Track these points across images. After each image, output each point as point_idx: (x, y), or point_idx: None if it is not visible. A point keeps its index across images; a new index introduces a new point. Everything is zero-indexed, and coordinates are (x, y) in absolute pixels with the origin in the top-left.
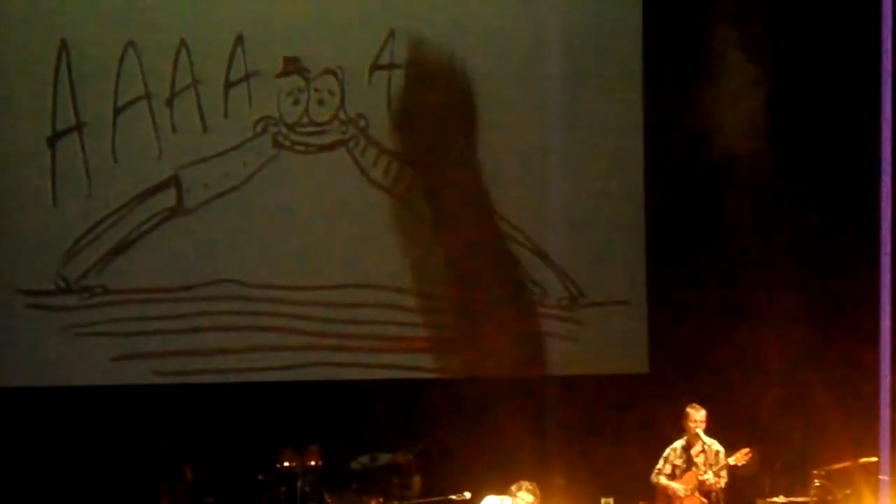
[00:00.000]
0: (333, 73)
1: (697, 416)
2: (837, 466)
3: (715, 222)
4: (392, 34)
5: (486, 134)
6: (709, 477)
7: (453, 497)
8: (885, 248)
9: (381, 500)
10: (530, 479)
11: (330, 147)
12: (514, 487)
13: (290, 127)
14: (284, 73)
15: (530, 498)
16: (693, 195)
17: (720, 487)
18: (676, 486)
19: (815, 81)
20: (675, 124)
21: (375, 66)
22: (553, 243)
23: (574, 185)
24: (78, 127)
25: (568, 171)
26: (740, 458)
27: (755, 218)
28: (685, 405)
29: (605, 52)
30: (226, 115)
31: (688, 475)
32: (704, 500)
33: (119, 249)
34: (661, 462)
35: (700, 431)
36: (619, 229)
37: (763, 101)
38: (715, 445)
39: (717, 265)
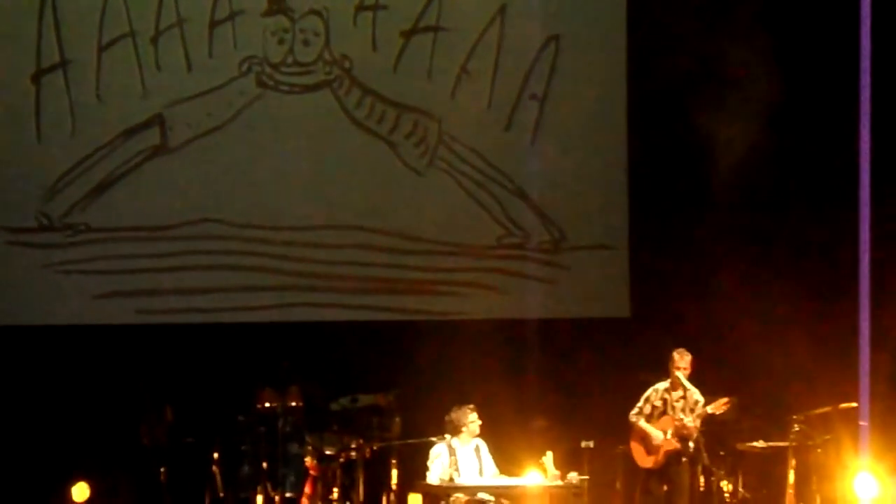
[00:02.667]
0: (318, 13)
1: (682, 362)
2: (817, 412)
3: (699, 167)
4: None
5: (469, 80)
6: (688, 421)
7: (434, 439)
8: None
9: (361, 441)
10: (511, 423)
11: (314, 87)
12: (454, 419)
13: (275, 67)
14: (269, 13)
15: (475, 415)
16: (677, 139)
17: (697, 432)
18: (654, 433)
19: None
20: (659, 66)
21: (360, 7)
22: (535, 187)
23: (558, 129)
24: (62, 64)
25: (551, 116)
26: (718, 406)
27: (739, 164)
28: (668, 350)
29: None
30: (210, 55)
31: (664, 419)
32: (680, 444)
33: (102, 187)
34: (641, 402)
35: (682, 376)
36: (602, 173)
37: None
38: (696, 394)
39: (700, 209)
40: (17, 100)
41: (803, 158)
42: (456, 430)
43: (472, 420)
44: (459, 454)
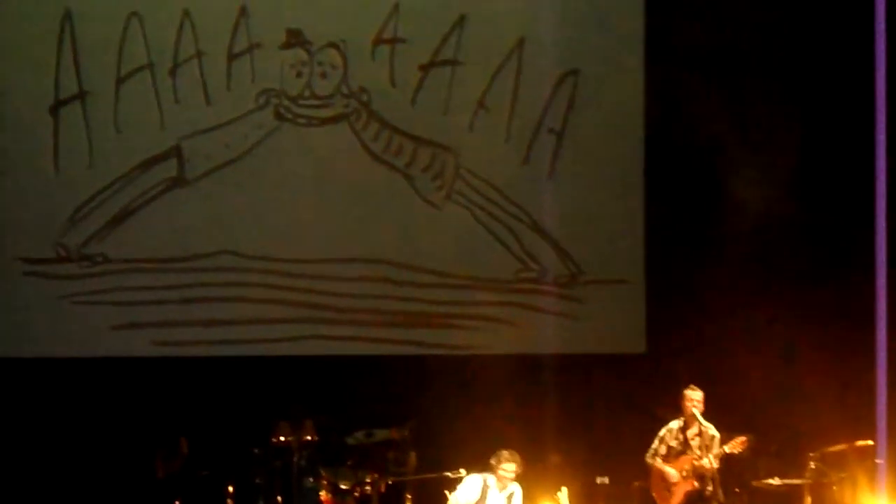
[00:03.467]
0: (336, 46)
1: (695, 396)
2: (833, 449)
3: (715, 202)
4: (396, 8)
5: (486, 114)
6: (705, 462)
7: (448, 474)
8: (881, 233)
9: (376, 475)
10: (526, 458)
11: (332, 120)
12: (493, 461)
13: (293, 99)
14: (287, 46)
15: (513, 466)
16: (693, 175)
17: (714, 471)
18: (671, 472)
19: (818, 73)
20: (677, 104)
21: (379, 40)
22: (552, 221)
23: (575, 163)
24: (81, 96)
25: (569, 150)
26: (736, 445)
27: (755, 199)
28: (682, 386)
29: (607, 32)
30: (228, 87)
31: (682, 458)
32: (698, 483)
33: (120, 219)
34: (656, 442)
35: (697, 413)
36: (619, 208)
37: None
38: (711, 430)
39: (715, 246)
40: (35, 131)
41: (821, 192)
42: (493, 471)
43: (504, 468)
44: (490, 494)
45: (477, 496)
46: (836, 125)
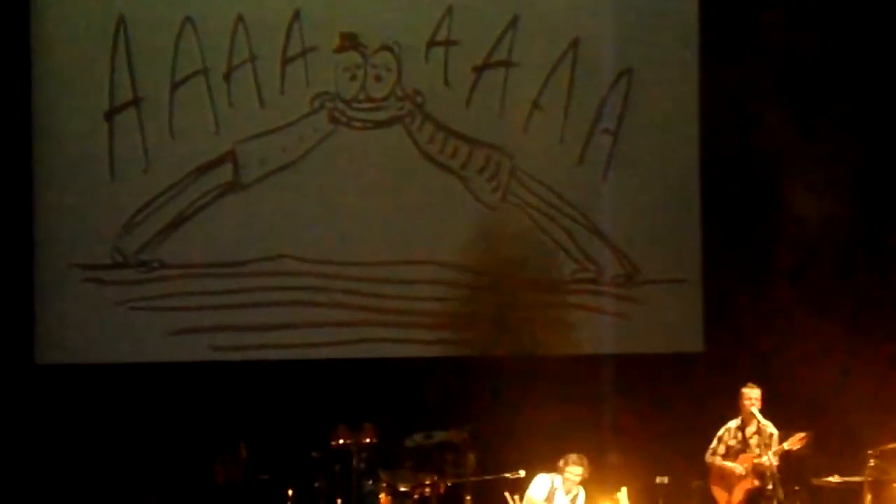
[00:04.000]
0: (390, 49)
1: (752, 394)
2: (892, 446)
3: (771, 200)
4: (449, 10)
5: (541, 114)
6: (765, 459)
7: (508, 475)
8: None
9: (435, 477)
10: (587, 457)
11: (386, 123)
12: (561, 463)
13: (347, 103)
14: (341, 49)
15: (579, 469)
16: (749, 174)
17: (774, 469)
18: (732, 466)
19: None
20: (732, 102)
21: (432, 43)
22: (608, 221)
23: (630, 163)
24: (135, 102)
25: (624, 149)
26: (795, 442)
27: (812, 197)
28: (740, 385)
29: (662, 31)
30: (282, 91)
31: (741, 457)
32: (758, 481)
33: (175, 224)
34: (715, 442)
35: (755, 410)
36: (676, 207)
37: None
38: (770, 427)
39: (773, 243)
40: (90, 138)
41: (882, 190)
42: (560, 472)
43: (570, 471)
44: (556, 495)
45: (544, 496)
46: None
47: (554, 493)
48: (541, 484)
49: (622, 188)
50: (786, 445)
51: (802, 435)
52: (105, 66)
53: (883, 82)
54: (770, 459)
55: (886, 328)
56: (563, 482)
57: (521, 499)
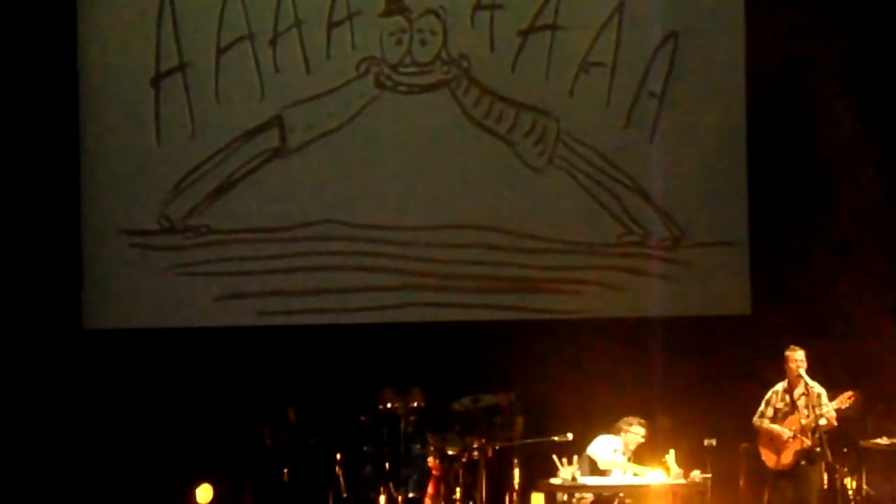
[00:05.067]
0: (436, 13)
1: (797, 356)
2: None
3: (819, 162)
4: None
5: (587, 78)
6: (812, 419)
7: (555, 438)
8: None
9: (483, 441)
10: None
11: (432, 87)
12: (623, 424)
13: (393, 67)
14: (387, 13)
15: (641, 430)
16: (796, 135)
17: (826, 428)
18: (781, 430)
19: None
20: (779, 64)
21: (478, 7)
22: (655, 184)
23: (677, 126)
24: (181, 67)
25: (670, 112)
26: (844, 400)
27: (859, 157)
28: (786, 347)
29: None
30: (328, 56)
31: (790, 418)
32: (808, 441)
33: (223, 189)
34: (763, 405)
35: (802, 372)
36: (722, 170)
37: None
38: (817, 388)
39: (821, 205)
40: (136, 103)
41: None
42: (620, 433)
43: (634, 431)
44: (617, 456)
45: (607, 454)
46: None
47: (615, 454)
48: (603, 443)
49: (669, 151)
50: (834, 405)
51: (850, 393)
52: (151, 31)
53: None
54: (816, 420)
55: None
56: (625, 443)
57: (570, 462)
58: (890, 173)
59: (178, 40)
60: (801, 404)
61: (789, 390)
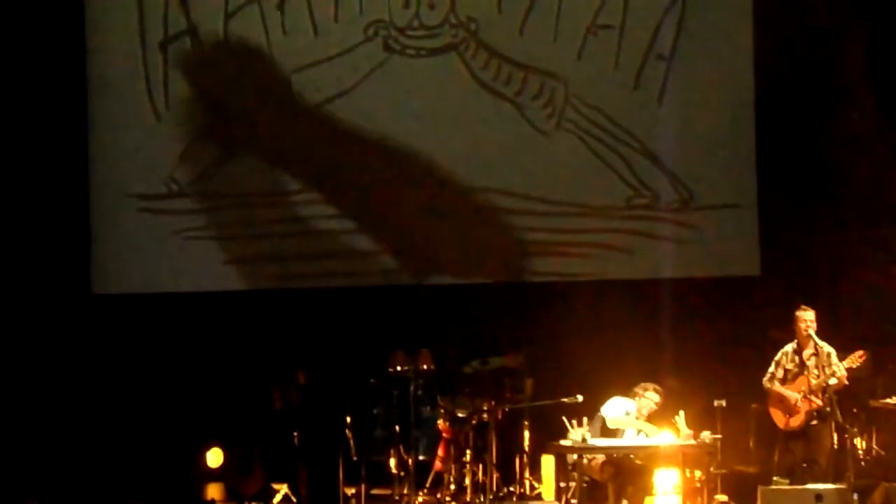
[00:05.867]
0: None
1: (807, 316)
2: None
3: (826, 125)
4: None
5: (595, 41)
6: (823, 379)
7: (565, 400)
8: None
9: (493, 403)
10: (644, 381)
11: (441, 51)
12: (639, 388)
13: (401, 31)
14: None
15: (657, 397)
16: (803, 98)
17: (837, 387)
18: (790, 394)
19: None
20: (787, 27)
21: None
22: (663, 147)
23: (685, 89)
24: (189, 31)
25: (678, 75)
26: (854, 360)
27: (867, 119)
28: (796, 308)
29: None
30: (336, 19)
31: (800, 379)
32: (818, 401)
33: (231, 154)
34: (773, 366)
35: (812, 332)
36: (731, 132)
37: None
38: (826, 347)
39: (827, 167)
40: (145, 68)
41: None
42: (636, 397)
43: (649, 396)
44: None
45: (619, 415)
46: None
47: (628, 416)
48: (615, 404)
49: (677, 114)
50: (844, 364)
51: (861, 353)
52: None
53: None
54: (826, 379)
55: None
56: (638, 408)
57: (580, 423)
58: None
59: (185, 4)
60: (812, 364)
61: (799, 351)
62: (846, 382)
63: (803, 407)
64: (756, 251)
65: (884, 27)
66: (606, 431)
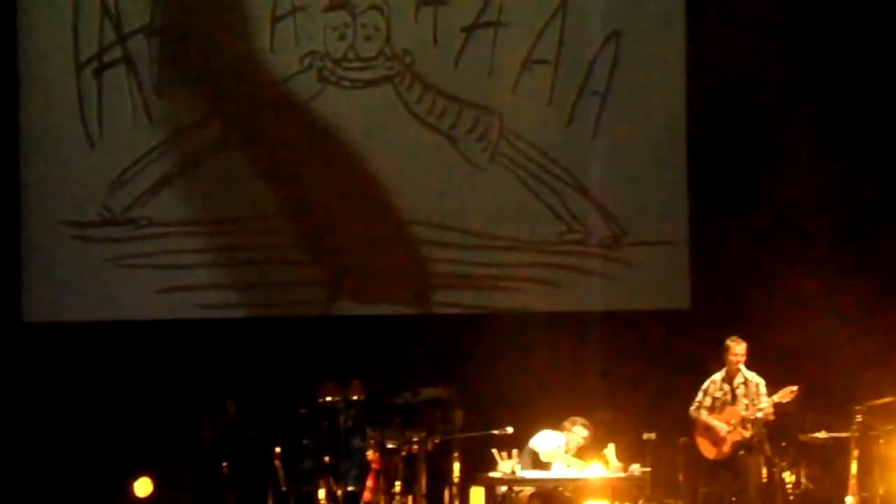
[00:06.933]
0: (379, 8)
1: (738, 349)
2: (879, 402)
3: (757, 162)
4: None
5: (530, 76)
6: (751, 411)
7: (495, 431)
8: None
9: (423, 434)
10: (574, 414)
11: (375, 82)
12: (567, 423)
13: (336, 62)
14: (330, 8)
15: (585, 432)
16: (736, 135)
17: (763, 420)
18: (718, 425)
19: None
20: (719, 65)
21: (422, 2)
22: (596, 182)
23: (619, 125)
24: (124, 59)
25: (612, 111)
26: (785, 394)
27: (796, 157)
28: (727, 337)
29: None
30: (272, 50)
31: (728, 409)
32: (746, 433)
33: (164, 182)
34: (700, 395)
35: (741, 366)
36: (663, 169)
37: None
38: (755, 378)
39: (758, 203)
40: (79, 94)
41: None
42: (564, 431)
43: (577, 431)
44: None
45: (548, 449)
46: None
47: (557, 449)
48: (545, 438)
49: (610, 150)
50: (776, 398)
51: (794, 388)
52: (94, 21)
53: (870, 41)
54: (754, 412)
55: (876, 285)
56: (567, 442)
57: (509, 455)
58: (827, 169)
59: (119, 32)
60: (741, 393)
61: (728, 380)
62: (772, 417)
63: (731, 438)
64: (687, 288)
65: (818, 63)
66: (538, 464)
